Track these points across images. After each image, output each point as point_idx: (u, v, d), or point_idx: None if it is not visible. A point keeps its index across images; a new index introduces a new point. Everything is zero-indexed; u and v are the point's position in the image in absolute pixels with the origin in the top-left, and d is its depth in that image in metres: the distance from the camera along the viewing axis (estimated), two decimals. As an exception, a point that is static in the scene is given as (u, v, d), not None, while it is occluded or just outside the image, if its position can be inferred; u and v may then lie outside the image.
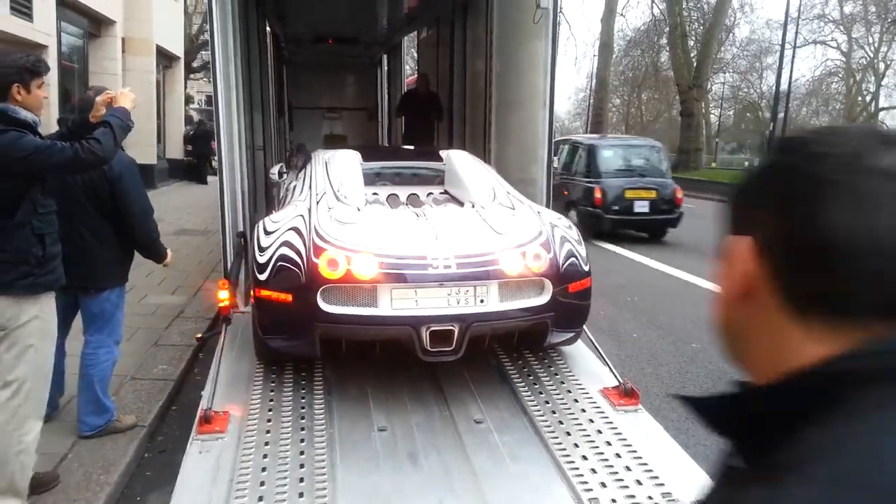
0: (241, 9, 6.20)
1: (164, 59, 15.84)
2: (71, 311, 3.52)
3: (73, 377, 3.56)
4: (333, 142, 12.99)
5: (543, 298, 3.55)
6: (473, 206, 4.04)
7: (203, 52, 33.60)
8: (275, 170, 5.80)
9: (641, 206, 11.09)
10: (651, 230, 11.67)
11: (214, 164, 5.97)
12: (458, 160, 4.70)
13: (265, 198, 7.17)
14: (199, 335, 5.04)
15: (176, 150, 17.50)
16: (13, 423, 2.57)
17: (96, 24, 11.58)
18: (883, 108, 49.69)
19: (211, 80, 4.57)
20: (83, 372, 3.48)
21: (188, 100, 27.71)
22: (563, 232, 3.82)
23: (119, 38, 11.90)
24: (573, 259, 3.69)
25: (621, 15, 36.81)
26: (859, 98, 49.28)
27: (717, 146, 48.32)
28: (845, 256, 0.55)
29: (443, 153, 4.98)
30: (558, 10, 5.12)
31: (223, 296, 4.18)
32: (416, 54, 14.89)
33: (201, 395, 3.72)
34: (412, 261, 3.39)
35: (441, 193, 4.69)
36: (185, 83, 21.52)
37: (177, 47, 16.72)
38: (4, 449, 2.55)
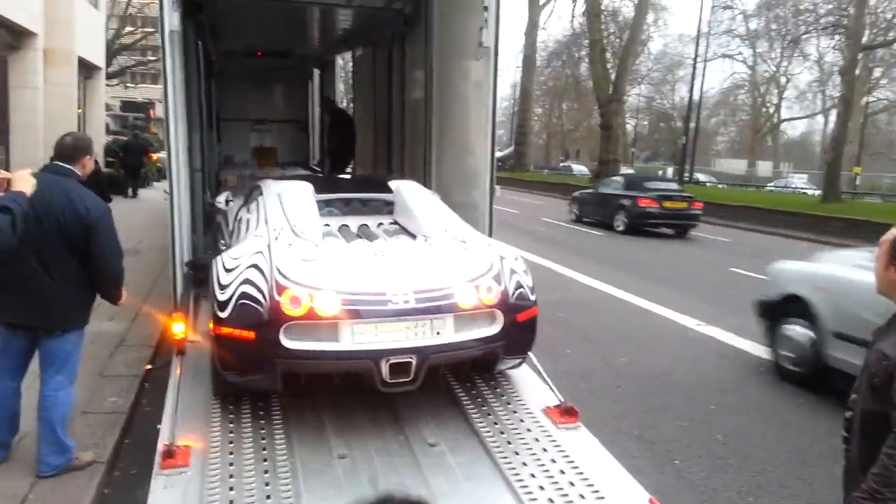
0: (182, 26, 6.18)
1: (85, 69, 15.31)
2: (29, 353, 3.53)
3: (26, 414, 3.57)
4: (262, 154, 12.92)
5: (495, 328, 3.81)
6: (426, 240, 4.27)
7: (119, 57, 32.53)
8: (221, 198, 5.84)
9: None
10: None
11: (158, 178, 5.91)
12: (408, 192, 4.91)
13: (202, 223, 7.14)
14: (150, 366, 5.05)
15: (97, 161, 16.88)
16: None
17: (17, 37, 11.13)
18: (785, 119, 53.14)
19: (163, 103, 4.55)
20: (43, 414, 3.48)
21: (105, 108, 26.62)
22: (512, 264, 4.10)
23: (40, 50, 11.47)
24: (521, 290, 3.98)
25: (543, 28, 37.99)
26: (763, 109, 52.45)
27: (633, 155, 50.35)
28: None
29: (392, 184, 5.16)
30: (499, 46, 5.40)
31: (178, 328, 4.25)
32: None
33: (158, 428, 3.79)
34: (372, 297, 3.58)
35: (391, 224, 4.89)
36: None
37: (98, 57, 16.18)
38: None
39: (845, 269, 5.16)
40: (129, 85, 37.77)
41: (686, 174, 30.74)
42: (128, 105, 43.28)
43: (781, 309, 5.53)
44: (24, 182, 2.87)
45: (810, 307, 5.14)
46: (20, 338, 3.46)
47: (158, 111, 44.63)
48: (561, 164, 49.27)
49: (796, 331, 5.33)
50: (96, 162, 5.47)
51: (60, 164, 3.43)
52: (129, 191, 16.85)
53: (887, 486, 1.97)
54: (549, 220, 18.18)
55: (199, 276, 5.65)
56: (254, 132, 13.74)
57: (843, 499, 2.19)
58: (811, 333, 5.15)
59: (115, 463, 3.81)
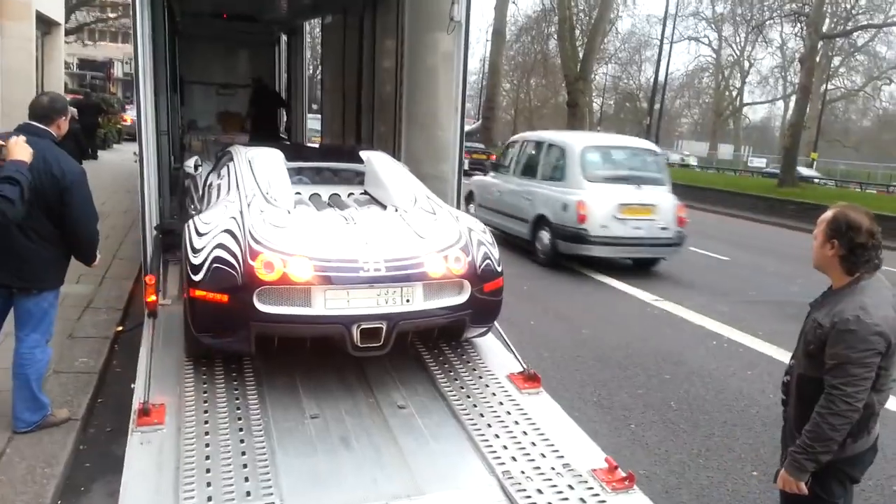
0: None
1: (44, 24, 14.80)
2: (4, 313, 3.55)
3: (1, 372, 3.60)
4: (227, 119, 12.76)
5: (462, 297, 3.96)
6: (397, 210, 4.37)
7: (77, 13, 31.37)
8: (190, 162, 5.82)
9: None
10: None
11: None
12: (379, 163, 4.99)
13: (168, 187, 7.10)
14: (121, 328, 5.08)
15: (54, 121, 16.36)
16: None
17: (-30, -12, 10.73)
18: (747, 104, 54.15)
19: (133, 63, 4.52)
20: (19, 371, 3.51)
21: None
22: (479, 236, 4.23)
23: (-4, 3, 11.10)
24: (488, 261, 4.12)
25: (513, 2, 37.84)
26: (726, 93, 53.35)
27: (599, 134, 50.76)
28: None
29: (363, 154, 5.23)
30: (469, 20, 5.47)
31: (150, 291, 4.29)
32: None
33: (132, 387, 3.86)
34: (345, 264, 3.68)
35: (361, 194, 4.98)
36: (61, 48, 20.07)
37: (57, 12, 15.65)
38: None
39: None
40: (87, 42, 36.46)
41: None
42: (85, 63, 41.86)
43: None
44: (23, 150, 2.78)
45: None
46: None
47: (118, 71, 43.37)
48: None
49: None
50: (74, 120, 5.37)
51: (35, 124, 3.41)
52: (88, 151, 16.46)
53: (818, 440, 2.18)
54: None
55: (167, 240, 5.66)
56: (219, 96, 13.51)
57: (780, 455, 2.39)
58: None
59: (88, 420, 3.87)
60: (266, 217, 3.90)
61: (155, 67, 6.70)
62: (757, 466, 3.81)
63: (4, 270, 3.34)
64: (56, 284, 3.63)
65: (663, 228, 8.58)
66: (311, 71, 17.44)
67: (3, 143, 2.76)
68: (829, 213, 2.34)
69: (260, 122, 11.38)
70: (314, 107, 18.26)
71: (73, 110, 3.71)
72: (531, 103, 58.23)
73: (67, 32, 25.98)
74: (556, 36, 35.67)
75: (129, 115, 24.99)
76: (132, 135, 22.60)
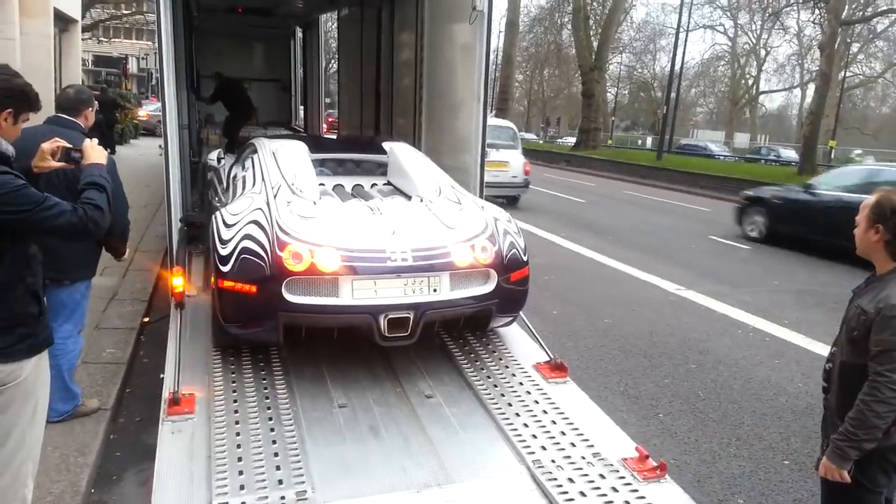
0: None
1: (61, 21, 14.90)
2: None
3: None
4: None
5: (489, 287, 3.94)
6: (422, 201, 4.36)
7: (92, 10, 31.56)
8: (213, 155, 5.85)
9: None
10: None
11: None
12: (402, 153, 4.98)
13: (189, 180, 7.14)
14: (147, 319, 5.12)
15: (72, 117, 16.48)
16: (16, 484, 2.34)
17: (-10, -15, 10.81)
18: (763, 92, 53.56)
19: (157, 58, 4.55)
20: (52, 362, 3.54)
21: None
22: (505, 225, 4.21)
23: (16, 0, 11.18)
24: (515, 250, 4.10)
25: (527, -7, 37.57)
26: (742, 81, 52.79)
27: (612, 124, 50.50)
28: None
29: (385, 145, 5.22)
30: (492, 9, 5.43)
31: (178, 282, 4.32)
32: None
33: (161, 377, 3.89)
34: (372, 254, 3.68)
35: (385, 185, 4.97)
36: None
37: (73, 9, 15.74)
38: None
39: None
40: (101, 39, 36.71)
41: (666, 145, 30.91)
42: (100, 60, 42.20)
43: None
44: (101, 153, 2.57)
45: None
46: None
47: (132, 67, 43.65)
48: (552, 134, 49.21)
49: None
50: (98, 112, 5.35)
51: (64, 116, 3.43)
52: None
53: (861, 428, 2.15)
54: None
55: (191, 232, 5.70)
56: None
57: (821, 443, 2.36)
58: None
59: (118, 411, 3.90)
60: (293, 208, 3.91)
61: (176, 62, 6.73)
62: (788, 455, 3.77)
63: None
64: (88, 275, 3.65)
65: (514, 177, 13.96)
66: (326, 65, 17.45)
67: (65, 144, 2.52)
68: (872, 198, 2.30)
69: (234, 122, 10.74)
70: (327, 101, 18.28)
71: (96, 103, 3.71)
72: (544, 94, 57.94)
73: (83, 30, 26.19)
74: (569, 26, 35.44)
75: (146, 111, 25.20)
76: (149, 130, 22.83)
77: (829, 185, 10.20)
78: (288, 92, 14.74)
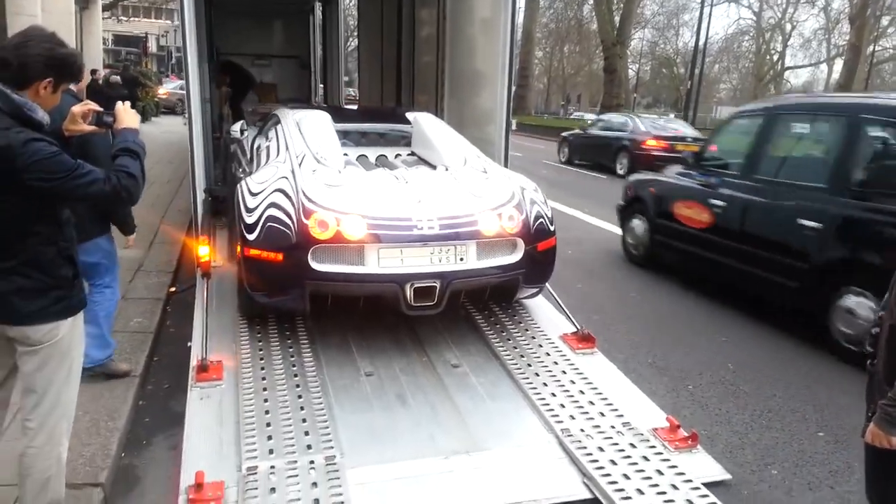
0: None
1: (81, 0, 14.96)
2: None
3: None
4: (263, 90, 12.78)
5: (516, 256, 3.89)
6: (447, 170, 4.30)
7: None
8: (236, 126, 5.83)
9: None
10: None
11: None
12: (427, 123, 4.91)
13: (212, 152, 7.15)
14: (174, 289, 5.14)
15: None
16: (51, 443, 2.36)
17: (12, -38, 10.79)
18: (788, 68, 52.39)
19: (180, 31, 4.53)
20: (88, 308, 3.59)
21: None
22: (532, 195, 4.15)
23: (37, -24, 11.17)
24: (541, 220, 4.04)
25: (548, -33, 36.97)
26: (767, 57, 51.69)
27: (634, 101, 49.78)
28: None
29: (410, 115, 5.16)
30: (517, -24, 5.32)
31: (203, 251, 4.32)
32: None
33: (188, 346, 3.91)
34: (398, 222, 3.64)
35: (409, 155, 4.92)
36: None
37: (94, -14, 15.76)
38: (44, 471, 2.35)
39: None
40: (121, 18, 36.81)
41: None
42: (120, 39, 42.37)
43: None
44: (133, 118, 2.46)
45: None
46: None
47: (153, 46, 43.74)
48: (573, 112, 48.68)
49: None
50: (122, 87, 5.22)
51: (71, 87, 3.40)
52: None
53: None
54: (550, 162, 18.15)
55: (215, 206, 5.71)
56: (253, 67, 13.53)
57: (866, 410, 2.29)
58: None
59: (146, 378, 3.92)
60: (318, 176, 3.88)
61: (197, 38, 6.71)
62: (822, 427, 3.70)
63: None
64: (101, 231, 3.61)
65: None
66: (345, 40, 17.35)
67: (97, 108, 2.41)
68: None
69: (236, 96, 11.09)
70: (345, 79, 18.19)
71: (116, 78, 3.65)
72: (565, 71, 57.20)
73: (103, 8, 26.24)
74: (590, 1, 34.85)
75: (165, 89, 25.28)
76: (168, 108, 22.91)
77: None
78: (307, 69, 14.67)
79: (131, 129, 2.39)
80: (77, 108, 2.38)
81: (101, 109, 2.40)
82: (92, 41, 16.51)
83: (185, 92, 4.77)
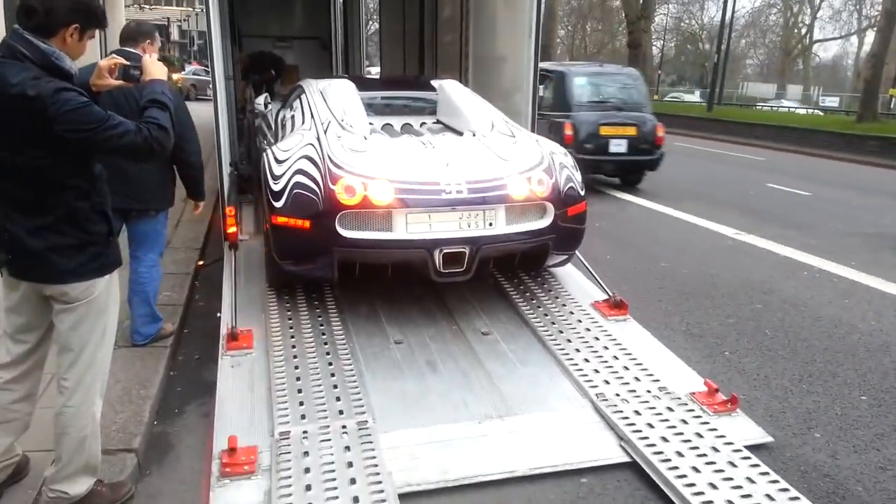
0: None
1: (104, -17, 15.04)
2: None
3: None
4: (286, 71, 12.75)
5: (546, 221, 3.81)
6: (475, 135, 4.22)
7: (134, -23, 31.78)
8: (260, 100, 5.80)
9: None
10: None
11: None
12: (453, 90, 4.83)
13: (236, 127, 7.15)
14: (202, 262, 5.15)
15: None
16: (87, 402, 2.36)
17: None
18: (817, 41, 51.09)
19: (203, 9, 4.50)
20: (138, 289, 3.66)
21: (123, 28, 26.24)
22: (561, 159, 4.06)
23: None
24: (572, 184, 3.95)
25: (569, -58, 36.28)
26: (795, 30, 50.40)
27: (658, 79, 48.90)
28: None
29: (435, 83, 5.08)
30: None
31: (230, 223, 4.31)
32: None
33: (218, 316, 3.91)
34: (426, 186, 3.58)
35: (434, 123, 4.84)
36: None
37: (115, -28, 15.80)
38: (81, 429, 2.35)
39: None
40: (143, 6, 37.03)
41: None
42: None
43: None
44: (160, 69, 2.40)
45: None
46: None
47: (175, 33, 44.01)
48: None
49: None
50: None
51: (124, 48, 3.39)
52: None
53: None
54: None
55: (240, 185, 5.70)
56: (276, 49, 13.51)
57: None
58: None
59: (177, 349, 3.93)
60: (344, 142, 3.83)
61: (220, 16, 6.69)
62: (865, 391, 3.59)
63: (120, 195, 3.13)
64: (167, 205, 3.72)
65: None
66: (367, 19, 17.25)
67: (122, 61, 2.35)
68: None
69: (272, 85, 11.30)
70: (366, 63, 18.11)
71: (158, 40, 3.64)
72: (587, 49, 56.42)
73: (125, -4, 26.41)
74: (614, -25, 34.17)
75: (179, 75, 25.38)
76: (182, 93, 23.12)
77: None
78: (328, 50, 14.62)
79: (159, 80, 2.34)
80: (104, 63, 2.34)
81: (128, 63, 2.36)
82: (115, 26, 16.60)
83: (198, 77, 4.77)
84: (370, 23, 24.25)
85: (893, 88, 35.34)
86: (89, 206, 2.24)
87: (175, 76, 23.43)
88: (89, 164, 2.24)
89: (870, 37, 38.72)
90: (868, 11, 42.60)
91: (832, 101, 42.80)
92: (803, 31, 50.26)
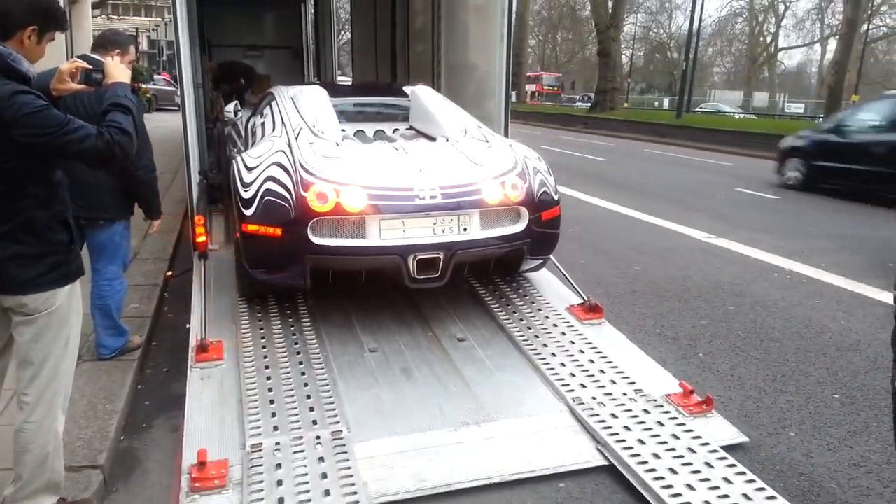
0: None
1: (69, -7, 14.77)
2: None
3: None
4: (257, 81, 12.66)
5: (520, 226, 3.80)
6: (448, 140, 4.20)
7: (100, -13, 31.32)
8: (230, 107, 5.72)
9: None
10: None
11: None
12: (425, 96, 4.81)
13: (206, 137, 7.08)
14: (171, 273, 5.04)
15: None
16: (49, 418, 2.27)
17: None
18: (782, 48, 52.27)
19: (171, 18, 4.43)
20: (100, 303, 3.54)
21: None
22: (535, 163, 4.05)
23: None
24: (545, 189, 3.95)
25: (539, -47, 36.71)
26: (761, 39, 51.47)
27: (628, 87, 49.53)
28: None
29: (407, 89, 5.06)
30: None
31: (200, 233, 4.22)
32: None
33: (187, 327, 3.82)
34: (399, 192, 3.54)
35: (407, 129, 4.81)
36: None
37: (81, -20, 15.56)
38: (43, 446, 2.27)
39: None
40: (111, 16, 36.56)
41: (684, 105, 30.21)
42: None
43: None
44: (123, 72, 2.33)
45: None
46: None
47: (143, 44, 43.46)
48: (566, 98, 48.48)
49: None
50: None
51: (89, 55, 3.31)
52: None
53: None
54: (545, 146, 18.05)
55: (210, 194, 5.61)
56: (246, 58, 13.39)
57: (892, 364, 2.22)
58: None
59: (144, 362, 3.84)
60: (316, 149, 3.78)
61: (189, 25, 6.62)
62: (837, 389, 3.62)
63: (75, 205, 3.17)
64: (124, 215, 3.57)
65: None
66: (339, 29, 17.20)
67: (84, 65, 2.27)
68: None
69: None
70: (338, 72, 18.05)
71: (133, 49, 3.55)
72: (558, 58, 57.04)
73: (92, 6, 26.00)
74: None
75: (144, 87, 25.03)
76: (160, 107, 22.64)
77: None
78: (300, 59, 14.55)
79: (121, 83, 2.27)
80: (65, 66, 2.27)
81: (90, 66, 2.29)
82: (82, 35, 16.25)
83: (157, 87, 4.69)
84: (342, 32, 24.23)
85: (855, 94, 36.27)
86: (49, 214, 2.16)
87: (143, 86, 23.16)
88: (49, 171, 2.16)
89: (832, 45, 39.78)
90: (830, 20, 43.78)
91: (798, 108, 43.80)
92: (768, 39, 51.40)
